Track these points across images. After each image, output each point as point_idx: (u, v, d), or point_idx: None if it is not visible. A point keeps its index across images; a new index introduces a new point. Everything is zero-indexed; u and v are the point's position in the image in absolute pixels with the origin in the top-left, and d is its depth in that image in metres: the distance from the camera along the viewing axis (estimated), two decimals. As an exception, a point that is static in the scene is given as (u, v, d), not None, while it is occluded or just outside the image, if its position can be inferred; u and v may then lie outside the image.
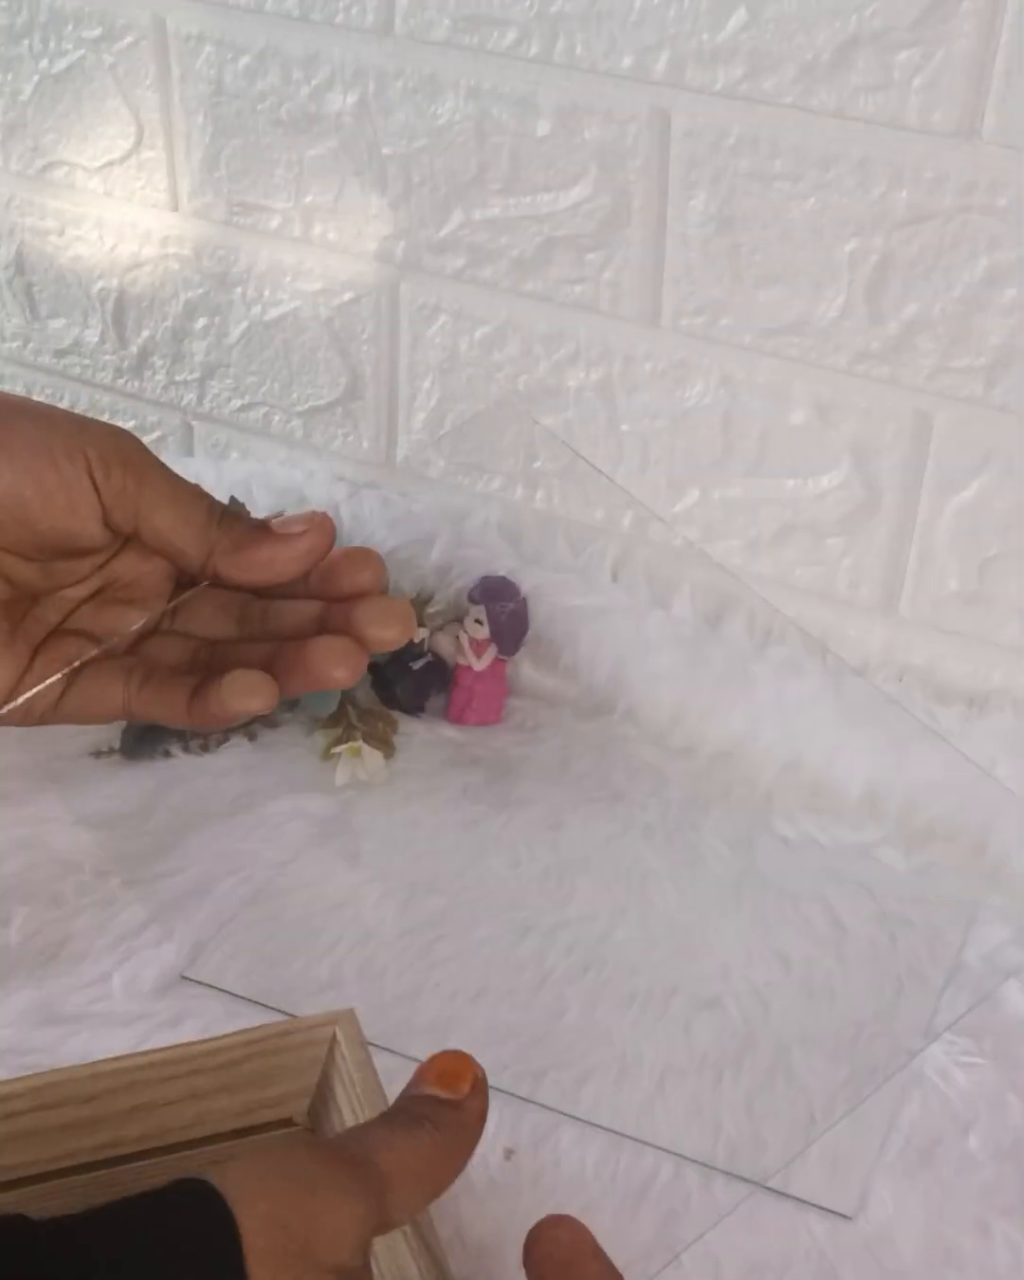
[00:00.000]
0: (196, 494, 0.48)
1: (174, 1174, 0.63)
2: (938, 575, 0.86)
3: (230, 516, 0.48)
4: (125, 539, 0.49)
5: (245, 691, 0.46)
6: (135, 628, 0.49)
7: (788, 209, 0.81)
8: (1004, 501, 0.83)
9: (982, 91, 0.74)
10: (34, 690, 0.48)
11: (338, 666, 0.46)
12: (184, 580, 0.50)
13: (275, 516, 0.48)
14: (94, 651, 0.49)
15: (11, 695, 0.48)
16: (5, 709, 0.47)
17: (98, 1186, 0.63)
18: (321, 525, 0.47)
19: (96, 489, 0.46)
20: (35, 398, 1.11)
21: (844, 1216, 0.66)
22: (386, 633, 0.47)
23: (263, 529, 0.48)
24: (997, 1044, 0.74)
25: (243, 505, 0.50)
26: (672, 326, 0.87)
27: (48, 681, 0.48)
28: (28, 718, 0.49)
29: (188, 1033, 0.71)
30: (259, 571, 0.47)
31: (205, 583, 0.49)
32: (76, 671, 0.48)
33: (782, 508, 0.89)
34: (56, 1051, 0.70)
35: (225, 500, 0.49)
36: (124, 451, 0.47)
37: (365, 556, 0.48)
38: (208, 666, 0.49)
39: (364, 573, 0.48)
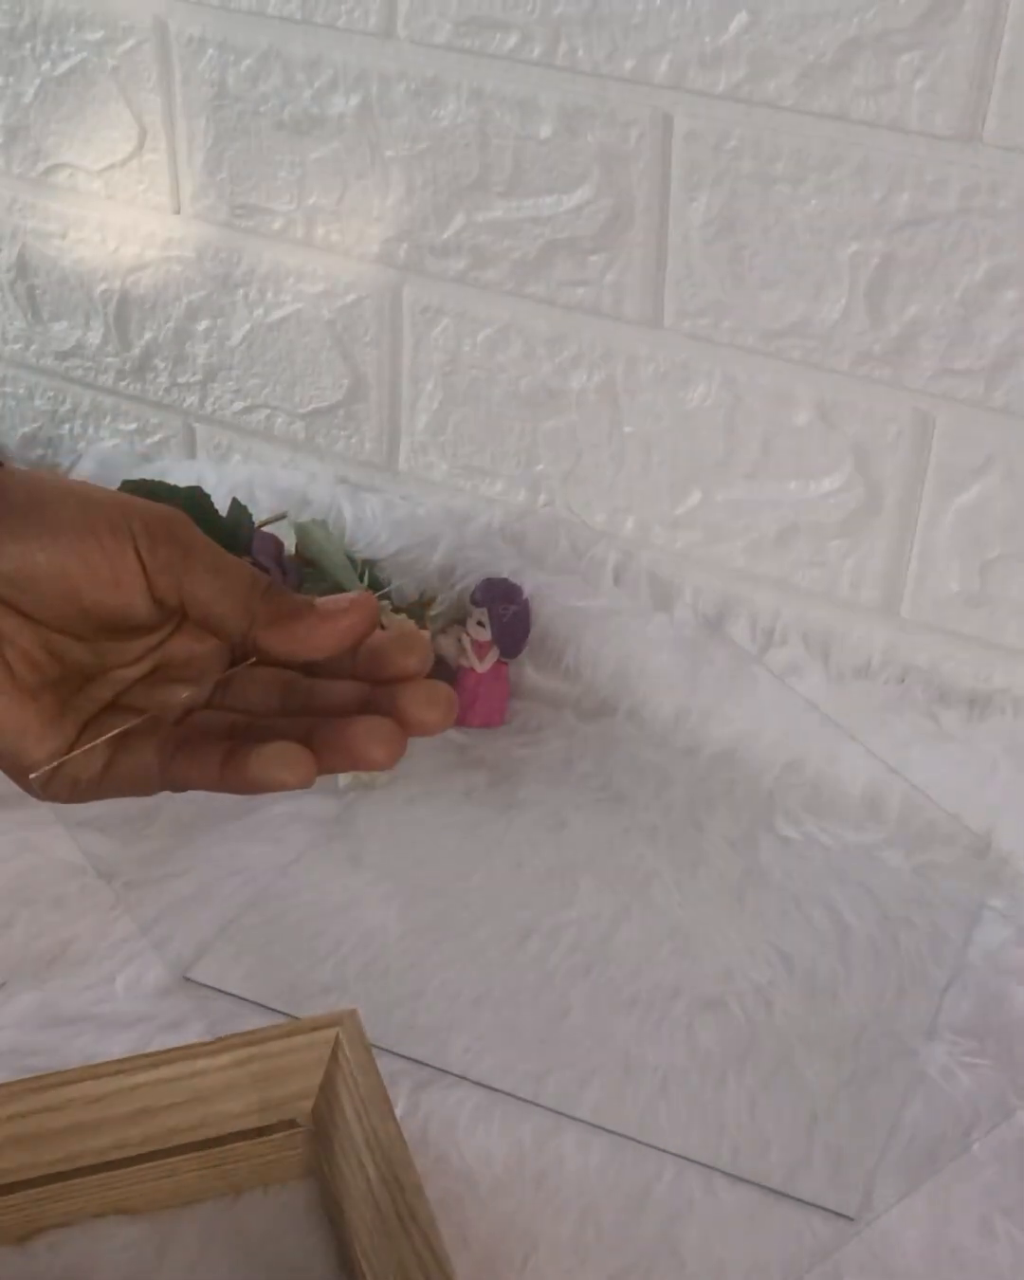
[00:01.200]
0: (240, 567, 0.49)
1: (181, 1175, 0.63)
2: (940, 577, 0.86)
3: (275, 591, 0.49)
4: (177, 618, 0.50)
5: (281, 763, 0.46)
6: (181, 700, 0.50)
7: (789, 211, 0.81)
8: (1006, 503, 0.83)
9: (983, 94, 0.74)
10: (66, 757, 0.48)
11: (379, 746, 0.46)
12: (236, 660, 0.51)
13: (320, 597, 0.49)
14: (134, 721, 0.49)
15: (57, 769, 0.48)
16: (45, 776, 0.48)
17: (102, 1189, 0.63)
18: (364, 606, 0.48)
19: (142, 564, 0.47)
20: (36, 400, 1.12)
21: (847, 1217, 0.66)
22: (430, 715, 0.47)
23: (306, 605, 0.48)
24: (999, 1045, 0.74)
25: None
26: (674, 329, 0.87)
27: (85, 748, 0.49)
28: (74, 792, 0.49)
29: (191, 1035, 0.71)
30: (299, 646, 0.48)
31: (251, 660, 0.49)
32: (122, 745, 0.49)
33: (784, 509, 0.89)
34: (59, 1053, 0.70)
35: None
36: (170, 526, 0.48)
37: (413, 641, 0.48)
38: (246, 735, 0.49)
39: (411, 657, 0.48)
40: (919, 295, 0.79)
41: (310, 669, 0.50)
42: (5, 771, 0.49)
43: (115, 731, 0.48)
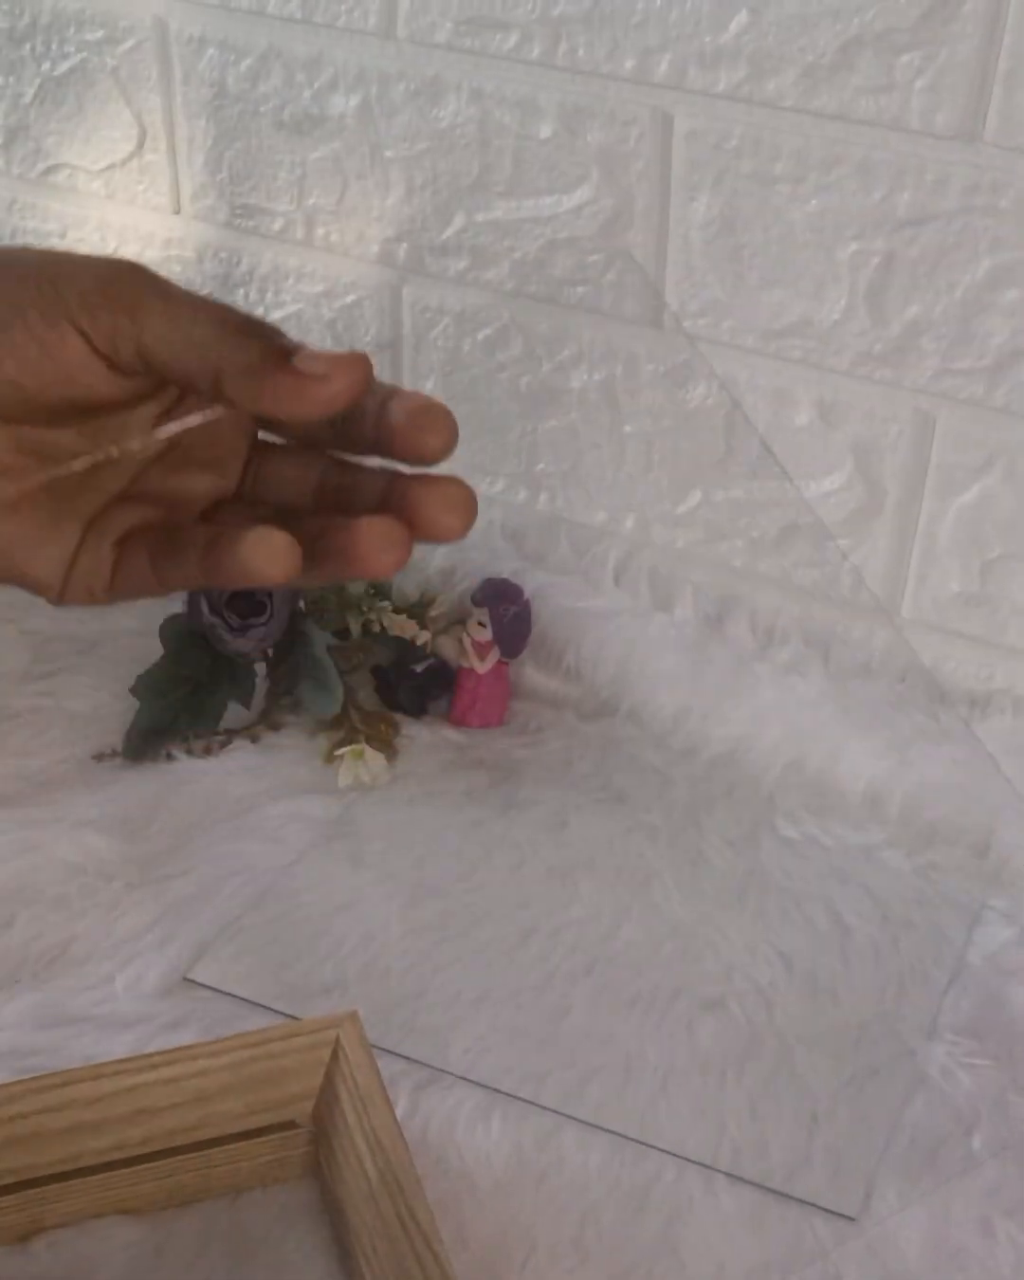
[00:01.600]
0: (200, 309, 0.41)
1: (181, 1176, 0.63)
2: (940, 576, 0.86)
3: (245, 335, 0.41)
4: (158, 381, 0.43)
5: (264, 553, 0.40)
6: (202, 489, 0.44)
7: (790, 211, 0.81)
8: (1006, 503, 0.83)
9: (984, 93, 0.74)
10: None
11: (380, 551, 0.40)
12: (271, 441, 0.44)
13: (302, 347, 0.41)
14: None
15: (67, 579, 0.43)
16: (57, 589, 0.43)
17: (103, 1189, 0.63)
18: (349, 367, 0.39)
19: (88, 343, 0.41)
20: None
21: (848, 1218, 0.66)
22: (447, 520, 0.41)
23: (276, 357, 0.40)
24: (1000, 1044, 0.74)
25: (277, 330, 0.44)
26: (674, 328, 0.87)
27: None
28: (92, 598, 0.44)
29: (191, 1035, 0.71)
30: (270, 403, 0.40)
31: (215, 410, 0.42)
32: (128, 546, 0.43)
33: (784, 509, 0.89)
34: (60, 1053, 0.70)
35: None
36: (113, 290, 0.41)
37: (434, 418, 0.41)
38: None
39: (431, 437, 0.41)
40: (920, 295, 0.79)
41: (341, 444, 0.43)
42: (26, 589, 0.44)
43: (56, 472, 0.42)
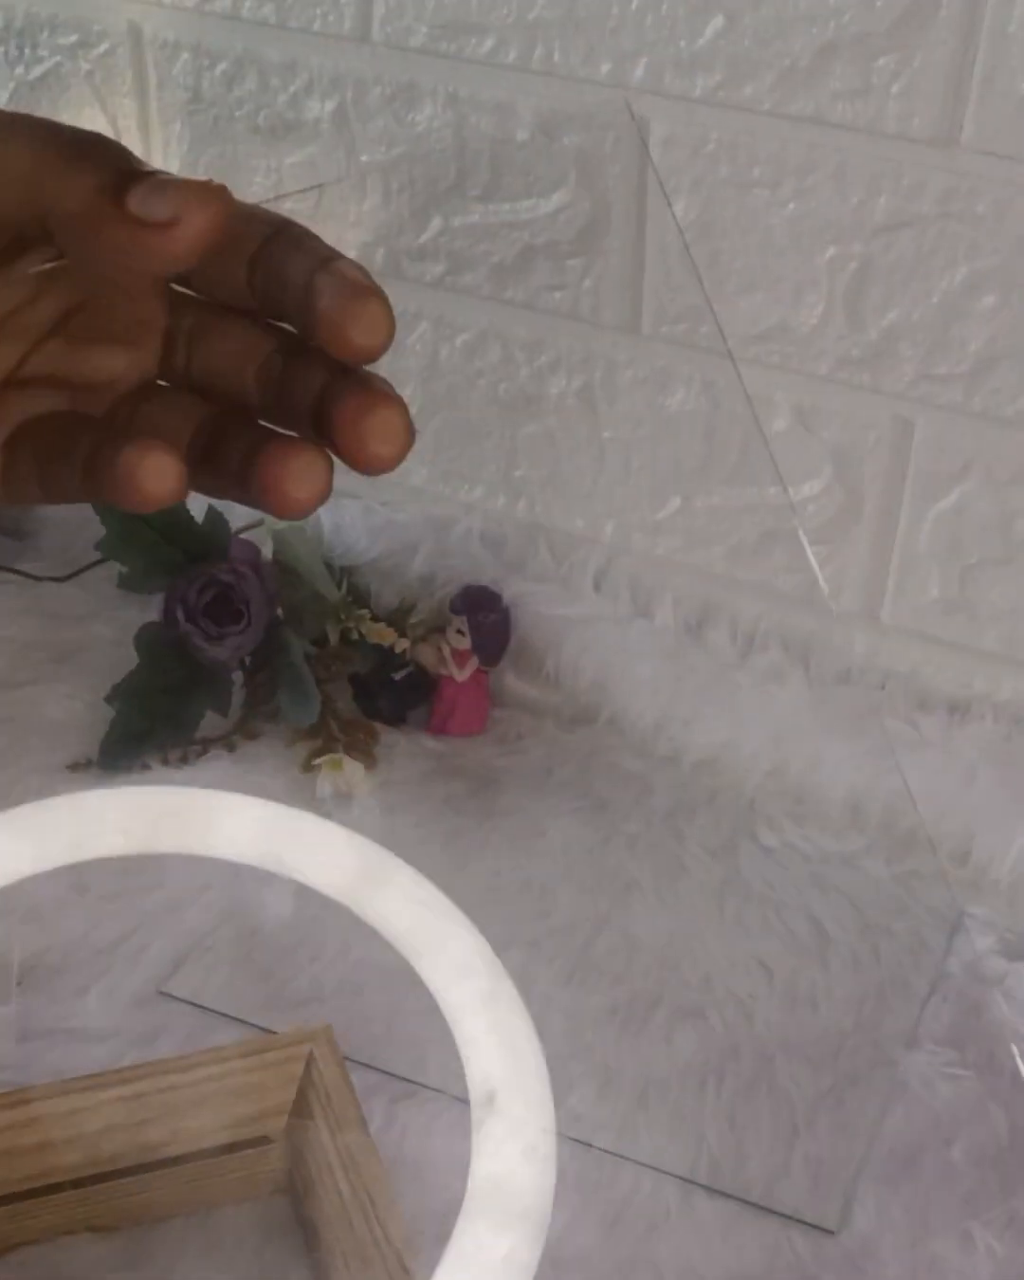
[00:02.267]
0: (19, 128, 0.32)
1: (153, 1191, 0.63)
2: (919, 582, 0.86)
3: (81, 160, 0.32)
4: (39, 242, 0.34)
5: (142, 471, 0.32)
6: (116, 369, 0.36)
7: (767, 216, 0.80)
8: (985, 508, 0.82)
9: (960, 98, 0.73)
10: None
11: (295, 487, 0.34)
12: (201, 306, 0.36)
13: (148, 175, 0.32)
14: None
15: None
16: None
17: (74, 1205, 0.62)
18: (203, 204, 0.31)
19: None
20: None
21: (827, 1231, 0.65)
22: (379, 447, 0.34)
23: (118, 189, 0.31)
24: (980, 1054, 0.74)
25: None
26: (652, 333, 0.87)
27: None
28: (11, 499, 0.36)
29: (164, 1049, 0.71)
30: (108, 254, 0.32)
31: (50, 260, 0.34)
32: (27, 435, 0.36)
33: (764, 515, 0.88)
34: (30, 1069, 0.70)
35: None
36: None
37: (366, 306, 0.33)
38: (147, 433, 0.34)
39: (363, 332, 0.33)
40: (898, 300, 0.79)
41: (269, 312, 0.35)
42: None
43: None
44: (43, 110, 0.99)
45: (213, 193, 0.31)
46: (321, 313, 0.33)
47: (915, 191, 0.76)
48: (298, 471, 0.34)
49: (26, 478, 0.36)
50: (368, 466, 0.34)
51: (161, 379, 0.37)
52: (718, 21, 0.77)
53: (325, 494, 0.34)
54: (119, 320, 0.36)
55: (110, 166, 0.32)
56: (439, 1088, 0.71)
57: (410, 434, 0.34)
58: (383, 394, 0.34)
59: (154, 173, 0.32)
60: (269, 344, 0.36)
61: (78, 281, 0.35)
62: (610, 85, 0.81)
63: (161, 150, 0.96)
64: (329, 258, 0.34)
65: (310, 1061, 0.63)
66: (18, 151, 0.31)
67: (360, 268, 0.34)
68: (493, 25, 0.83)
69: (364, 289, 0.33)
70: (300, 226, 0.35)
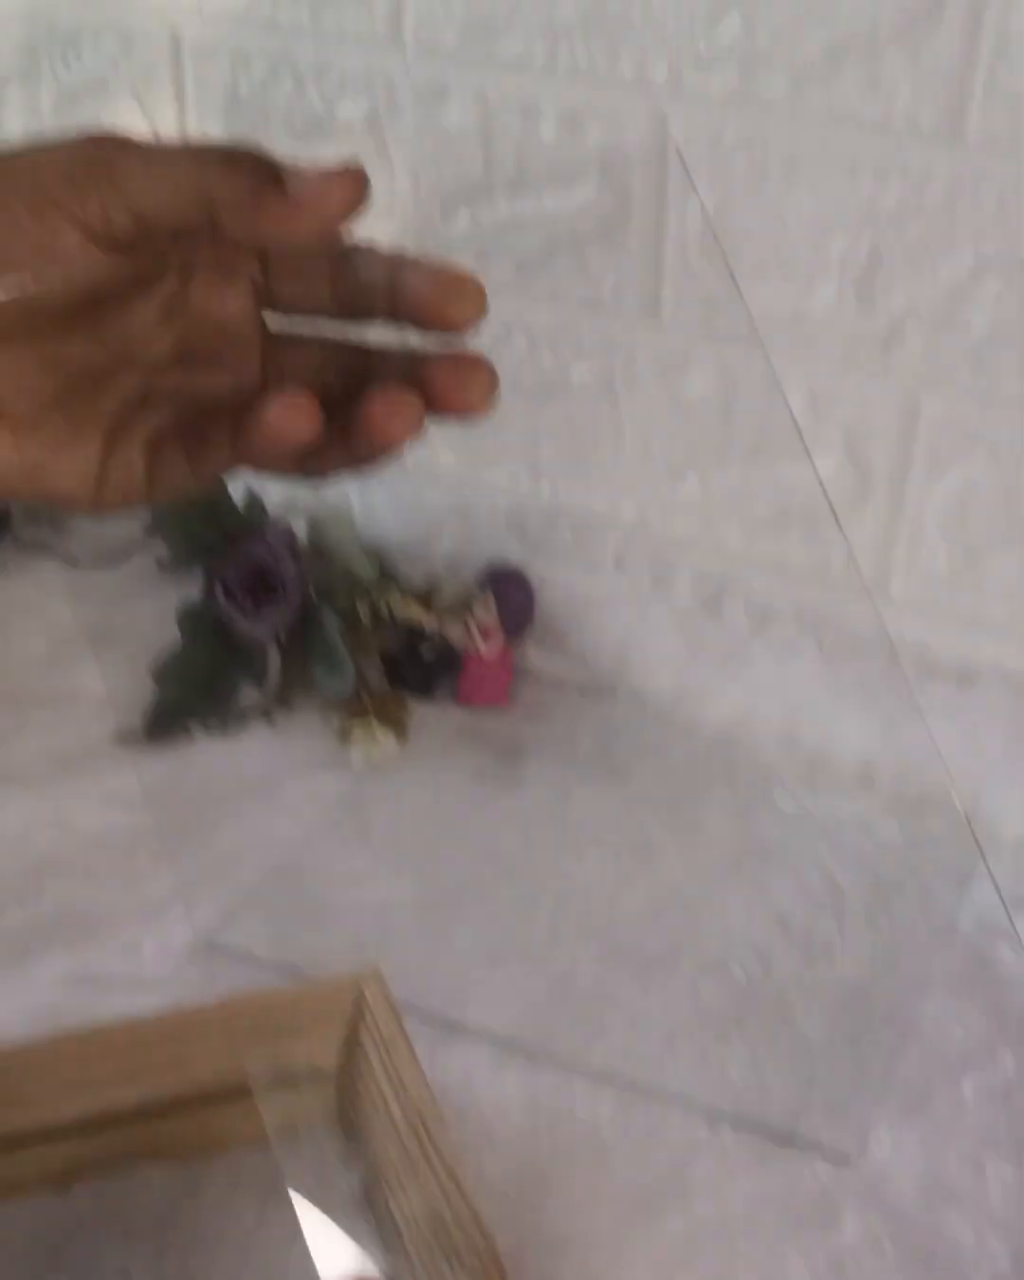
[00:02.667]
0: (181, 148, 0.39)
1: (214, 1123, 0.67)
2: (928, 558, 0.90)
3: (232, 163, 0.39)
4: (157, 250, 0.41)
5: (288, 414, 0.39)
6: (225, 384, 0.43)
7: (781, 207, 0.84)
8: (991, 486, 0.86)
9: (966, 94, 0.77)
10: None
11: (391, 418, 0.39)
12: (288, 331, 0.43)
13: (292, 165, 0.39)
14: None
15: (99, 489, 0.42)
16: (89, 498, 0.43)
17: (138, 1136, 0.66)
18: (348, 183, 0.38)
19: (79, 226, 0.39)
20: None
21: (845, 1159, 0.69)
22: (469, 393, 0.40)
23: (271, 178, 0.38)
24: (988, 1000, 0.77)
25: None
26: (671, 321, 0.91)
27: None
28: (128, 502, 0.43)
29: (217, 995, 0.74)
30: (270, 231, 0.38)
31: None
32: (157, 446, 0.42)
33: (778, 493, 0.92)
34: (91, 1013, 0.73)
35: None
36: (87, 162, 0.39)
37: (461, 286, 0.39)
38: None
39: (460, 306, 0.39)
40: (906, 286, 0.83)
41: (352, 313, 0.42)
42: (58, 503, 0.43)
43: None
44: (85, 114, 1.03)
45: (354, 173, 0.38)
46: (422, 296, 0.39)
47: (923, 183, 0.80)
48: (394, 405, 0.39)
49: (173, 473, 0.43)
50: (461, 409, 0.40)
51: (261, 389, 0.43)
52: (734, 22, 0.81)
53: (421, 428, 0.40)
54: (218, 347, 0.43)
55: (261, 161, 0.39)
56: (478, 1030, 0.74)
57: (496, 382, 0.40)
58: (471, 351, 0.40)
59: (297, 164, 0.38)
60: (341, 350, 0.43)
61: (188, 320, 0.42)
62: (632, 85, 0.85)
63: (198, 150, 1.00)
64: (406, 256, 0.40)
65: (361, 999, 0.66)
66: (184, 165, 0.39)
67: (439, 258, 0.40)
68: (519, 28, 0.87)
69: (457, 271, 0.40)
70: (367, 243, 0.41)
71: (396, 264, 0.40)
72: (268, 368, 0.43)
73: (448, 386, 0.40)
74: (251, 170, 0.38)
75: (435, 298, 0.39)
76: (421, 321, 0.40)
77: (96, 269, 0.40)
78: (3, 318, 0.40)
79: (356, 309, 0.41)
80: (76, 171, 0.39)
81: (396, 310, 0.40)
